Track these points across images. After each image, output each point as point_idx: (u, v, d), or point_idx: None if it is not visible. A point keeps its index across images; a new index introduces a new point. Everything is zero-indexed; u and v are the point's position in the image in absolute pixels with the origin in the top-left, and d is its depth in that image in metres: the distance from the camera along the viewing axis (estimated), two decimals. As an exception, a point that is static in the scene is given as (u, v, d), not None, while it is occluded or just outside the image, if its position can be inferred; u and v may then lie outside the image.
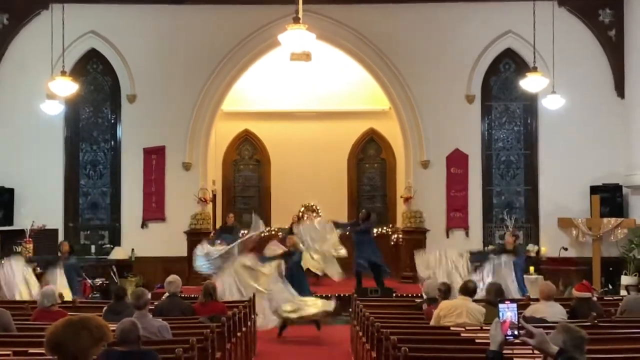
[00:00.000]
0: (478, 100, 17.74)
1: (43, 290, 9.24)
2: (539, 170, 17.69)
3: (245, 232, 15.66)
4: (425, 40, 17.55)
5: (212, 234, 16.94)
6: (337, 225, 15.69)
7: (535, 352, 3.81)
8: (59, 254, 13.95)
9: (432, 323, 8.81)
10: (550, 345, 3.71)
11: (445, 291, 9.45)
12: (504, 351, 3.77)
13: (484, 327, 7.74)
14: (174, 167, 17.59)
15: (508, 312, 3.72)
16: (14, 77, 17.34)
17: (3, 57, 17.47)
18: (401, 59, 17.57)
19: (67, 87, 14.22)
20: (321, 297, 14.83)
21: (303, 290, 13.13)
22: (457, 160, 17.58)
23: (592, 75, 17.33)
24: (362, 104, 19.73)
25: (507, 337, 3.69)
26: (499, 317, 3.73)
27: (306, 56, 17.08)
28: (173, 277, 10.06)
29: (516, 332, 3.67)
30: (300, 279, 13.43)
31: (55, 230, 17.00)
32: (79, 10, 16.67)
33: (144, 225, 17.47)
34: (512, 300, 3.78)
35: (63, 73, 14.16)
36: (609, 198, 16.72)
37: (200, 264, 14.64)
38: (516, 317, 3.71)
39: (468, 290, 8.94)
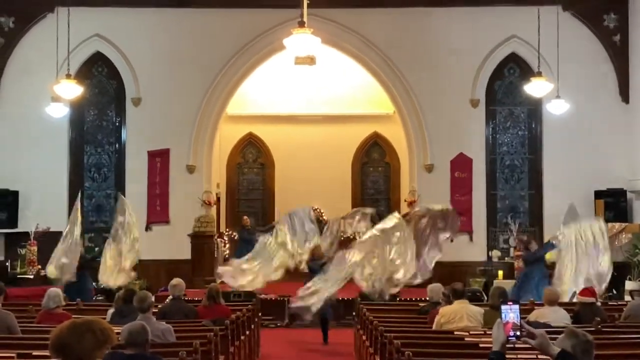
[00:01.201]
0: (482, 104, 17.74)
1: (48, 292, 9.25)
2: (543, 175, 17.68)
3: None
4: (430, 44, 17.56)
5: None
6: None
7: (540, 356, 3.82)
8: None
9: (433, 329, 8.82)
10: (551, 346, 3.73)
11: (449, 295, 9.45)
12: (507, 354, 3.79)
13: (487, 332, 7.74)
14: (178, 170, 17.61)
15: (510, 313, 3.73)
16: (19, 80, 17.38)
17: (9, 59, 17.51)
18: (405, 63, 17.58)
19: (72, 89, 14.28)
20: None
21: None
22: (461, 164, 17.58)
23: (596, 80, 17.32)
24: (366, 107, 19.74)
25: (509, 338, 3.70)
26: (501, 318, 3.75)
27: (310, 60, 17.10)
28: (177, 280, 10.07)
29: (518, 333, 3.69)
30: None
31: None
32: (84, 13, 16.70)
33: (148, 228, 17.47)
34: (515, 302, 3.79)
35: (68, 76, 14.21)
36: (613, 203, 16.69)
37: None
38: (518, 318, 3.72)
39: (459, 293, 8.95)
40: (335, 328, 13.96)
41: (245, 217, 17.52)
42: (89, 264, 13.95)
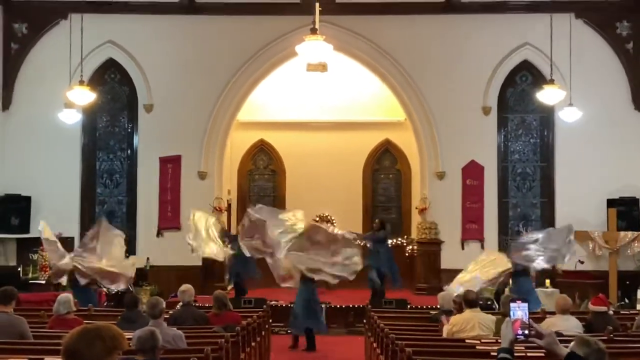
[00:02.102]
0: (494, 111, 17.70)
1: (58, 298, 9.27)
2: (555, 183, 17.61)
3: None
4: (442, 51, 17.55)
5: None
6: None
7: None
8: None
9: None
10: (559, 347, 3.72)
11: (461, 304, 9.42)
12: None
13: (499, 340, 7.70)
14: (189, 176, 17.64)
15: (519, 311, 3.74)
16: (32, 86, 17.47)
17: (22, 66, 17.60)
18: (417, 70, 17.57)
19: (85, 96, 14.34)
20: (335, 307, 14.81)
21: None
22: (472, 172, 17.53)
23: (609, 88, 17.26)
24: (377, 114, 19.73)
25: (518, 336, 3.71)
26: (509, 316, 3.75)
27: (322, 67, 17.13)
28: (185, 287, 10.05)
29: (526, 332, 3.69)
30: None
31: (72, 239, 17.08)
32: (97, 20, 16.78)
33: (159, 234, 17.51)
34: (524, 300, 3.79)
35: (81, 82, 14.27)
36: (625, 211, 16.61)
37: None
38: (527, 317, 3.73)
39: (471, 301, 8.92)
40: (346, 335, 13.97)
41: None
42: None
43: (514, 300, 3.80)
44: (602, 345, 4.11)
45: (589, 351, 3.99)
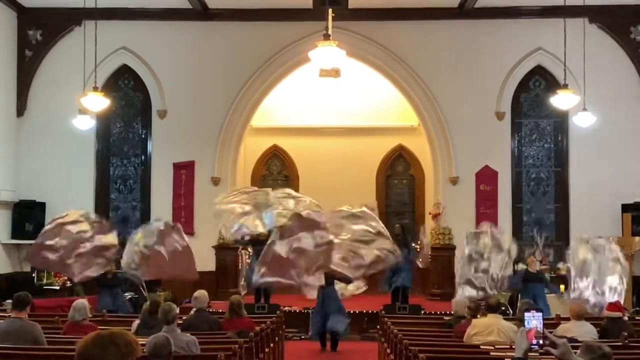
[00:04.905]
0: (508, 117, 17.67)
1: (74, 304, 9.29)
2: (569, 188, 17.54)
3: None
4: (455, 56, 17.54)
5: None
6: None
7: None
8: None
9: (464, 341, 8.74)
10: (573, 356, 3.70)
11: (475, 309, 9.39)
12: None
13: (513, 347, 7.66)
14: (203, 182, 17.69)
15: (533, 320, 3.72)
16: (46, 92, 17.57)
17: (36, 72, 17.71)
18: (430, 75, 17.56)
19: (99, 102, 14.38)
20: (349, 313, 14.79)
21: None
22: (486, 177, 17.49)
23: (623, 93, 17.20)
24: (390, 120, 19.72)
25: (532, 346, 3.69)
26: (524, 325, 3.74)
27: (335, 72, 17.13)
28: (199, 293, 10.05)
29: (541, 342, 3.68)
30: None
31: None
32: (111, 26, 16.86)
33: (172, 239, 17.52)
34: (538, 310, 3.77)
35: (95, 88, 14.32)
36: (640, 216, 16.54)
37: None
38: (541, 326, 3.71)
39: (493, 307, 8.88)
40: (359, 341, 13.94)
41: None
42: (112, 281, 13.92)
43: (528, 310, 3.78)
44: (607, 349, 4.10)
45: (594, 356, 3.98)
